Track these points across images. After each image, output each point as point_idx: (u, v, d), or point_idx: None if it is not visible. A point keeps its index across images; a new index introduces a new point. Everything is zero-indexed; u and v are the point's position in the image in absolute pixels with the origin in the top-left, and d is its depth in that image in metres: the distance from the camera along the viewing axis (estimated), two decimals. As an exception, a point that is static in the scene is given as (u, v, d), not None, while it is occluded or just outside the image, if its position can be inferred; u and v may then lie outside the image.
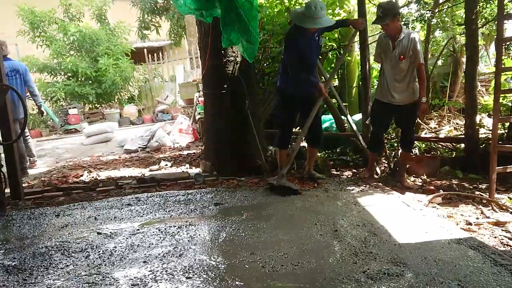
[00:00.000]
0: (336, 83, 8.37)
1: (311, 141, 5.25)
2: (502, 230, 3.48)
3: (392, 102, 4.89)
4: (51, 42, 15.39)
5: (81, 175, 6.75)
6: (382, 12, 4.68)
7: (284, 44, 4.98)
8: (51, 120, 14.84)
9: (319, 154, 6.54)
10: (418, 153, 6.09)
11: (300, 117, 5.22)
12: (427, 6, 6.44)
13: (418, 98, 4.81)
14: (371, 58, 6.31)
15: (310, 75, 4.86)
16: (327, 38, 7.27)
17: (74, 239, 3.63)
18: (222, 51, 5.66)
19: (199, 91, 9.98)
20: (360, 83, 7.05)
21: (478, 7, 5.62)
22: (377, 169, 5.42)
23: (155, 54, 17.83)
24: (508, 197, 4.40)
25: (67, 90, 15.08)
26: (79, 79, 15.40)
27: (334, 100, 6.51)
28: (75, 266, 3.04)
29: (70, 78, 15.48)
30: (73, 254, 3.28)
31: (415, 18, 6.12)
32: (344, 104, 6.78)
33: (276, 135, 5.23)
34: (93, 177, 6.53)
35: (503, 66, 4.72)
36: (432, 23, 6.43)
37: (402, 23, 6.73)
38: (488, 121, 7.05)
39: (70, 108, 14.16)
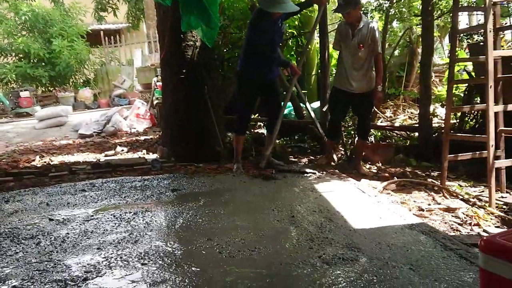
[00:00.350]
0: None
1: (270, 128, 5.25)
2: (452, 216, 3.60)
3: (349, 90, 4.94)
4: (1, 21, 14.75)
5: (33, 160, 6.53)
6: (345, 1, 4.70)
7: (250, 28, 4.89)
8: (1, 103, 14.27)
9: (277, 141, 6.57)
10: (373, 141, 6.22)
11: (260, 103, 5.21)
12: (385, -4, 6.55)
13: (374, 87, 4.89)
14: (330, 46, 6.37)
15: (274, 56, 4.85)
16: (287, 25, 7.27)
17: (24, 225, 3.50)
18: (182, 35, 5.56)
19: (157, 76, 9.82)
20: (319, 71, 7.11)
21: (434, -1, 5.76)
22: (334, 156, 5.49)
23: (112, 37, 17.37)
24: (459, 184, 4.56)
25: (18, 72, 14.51)
26: (32, 60, 14.84)
27: (293, 88, 6.53)
28: (25, 253, 2.93)
29: (22, 60, 14.90)
30: (23, 241, 3.16)
31: (374, 8, 6.21)
32: (303, 91, 6.82)
33: (235, 121, 5.20)
34: (45, 162, 6.32)
35: (456, 57, 4.84)
36: (390, 13, 6.53)
37: (361, 12, 6.83)
38: (441, 111, 7.28)
39: (21, 91, 13.63)
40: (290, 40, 7.83)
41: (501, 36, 5.09)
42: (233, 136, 5.19)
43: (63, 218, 3.63)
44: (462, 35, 6.47)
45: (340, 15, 7.35)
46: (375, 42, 4.77)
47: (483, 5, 4.03)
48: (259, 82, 4.88)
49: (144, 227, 3.34)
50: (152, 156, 6.28)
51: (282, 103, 5.19)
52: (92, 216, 3.66)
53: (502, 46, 5.83)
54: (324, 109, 5.87)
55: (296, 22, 7.47)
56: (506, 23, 5.79)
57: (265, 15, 4.68)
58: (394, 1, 6.71)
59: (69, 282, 2.45)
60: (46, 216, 3.72)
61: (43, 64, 15.11)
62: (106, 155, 6.67)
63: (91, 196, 4.30)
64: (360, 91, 4.92)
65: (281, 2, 4.52)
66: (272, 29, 4.74)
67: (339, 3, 4.77)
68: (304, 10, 7.39)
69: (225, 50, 7.43)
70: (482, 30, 4.54)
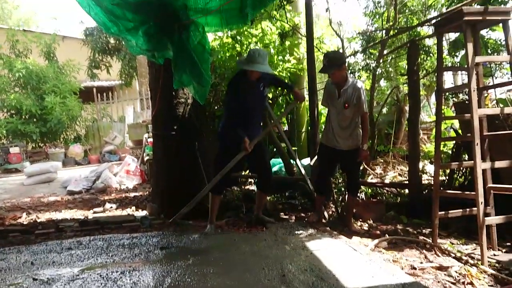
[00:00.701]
0: (285, 127, 8.52)
1: (261, 186, 5.24)
2: (445, 275, 3.55)
3: (336, 147, 4.99)
4: (-6, 78, 14.92)
5: (19, 217, 6.41)
6: (328, 62, 4.80)
7: (226, 90, 5.01)
8: (-10, 159, 14.19)
9: (268, 198, 6.55)
10: (364, 198, 6.21)
11: (247, 162, 5.21)
12: (372, 56, 6.75)
13: (360, 145, 4.93)
14: (319, 104, 6.49)
15: (240, 127, 4.79)
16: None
17: (7, 285, 3.39)
18: (173, 93, 5.66)
19: (148, 132, 9.88)
20: (309, 127, 7.21)
21: (419, 59, 5.94)
22: (325, 213, 5.46)
23: (104, 94, 17.58)
24: (450, 242, 4.52)
25: (9, 128, 14.53)
26: (23, 116, 14.90)
27: (283, 144, 6.59)
28: (6, 315, 2.83)
29: (13, 116, 14.96)
30: (5, 302, 3.06)
31: (361, 68, 6.38)
32: (293, 148, 6.87)
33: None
34: (32, 219, 6.21)
35: (443, 115, 4.94)
36: (377, 72, 6.71)
37: (349, 72, 7.02)
38: (430, 168, 7.33)
39: (11, 147, 13.60)
40: (280, 98, 7.98)
41: (485, 95, 5.22)
42: (210, 196, 5.10)
43: (47, 278, 3.53)
44: (447, 93, 6.63)
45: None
46: (360, 102, 4.83)
47: (466, 66, 4.16)
48: (239, 143, 4.84)
49: (131, 287, 3.25)
50: (141, 213, 6.20)
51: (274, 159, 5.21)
52: (78, 275, 3.57)
53: (487, 105, 5.97)
54: (312, 163, 5.90)
55: (286, 81, 7.63)
56: (489, 83, 5.95)
57: (242, 78, 4.81)
58: (381, 61, 6.90)
59: None
60: (30, 275, 3.62)
61: (34, 120, 15.16)
62: (94, 212, 6.58)
63: (77, 255, 4.21)
64: (347, 148, 4.96)
65: (256, 62, 4.64)
66: (247, 92, 4.79)
67: (323, 64, 4.89)
68: (294, 69, 7.65)
69: (216, 108, 7.53)
70: (467, 89, 4.68)
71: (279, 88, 6.71)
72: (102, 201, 7.43)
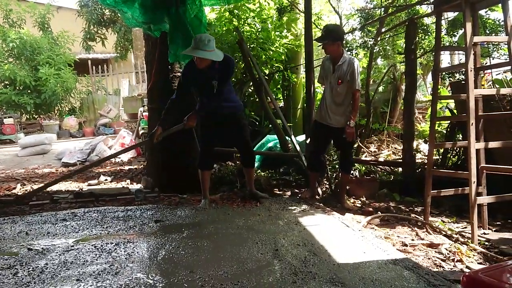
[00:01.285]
0: (281, 104, 8.51)
1: (244, 162, 5.26)
2: (436, 252, 3.61)
3: (329, 125, 4.99)
4: (-12, 48, 14.74)
5: (14, 188, 6.43)
6: (325, 32, 4.81)
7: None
8: (-16, 129, 14.12)
9: (262, 174, 6.58)
10: (358, 176, 6.25)
11: (225, 138, 5.18)
12: (370, 34, 6.71)
13: (346, 122, 4.95)
14: (316, 81, 6.48)
15: (168, 112, 4.87)
16: (274, 59, 7.39)
17: (2, 255, 3.41)
18: (169, 66, 5.62)
19: (143, 106, 9.84)
20: (305, 105, 7.21)
21: (417, 38, 5.91)
22: (319, 189, 5.50)
23: (99, 66, 17.43)
24: (442, 220, 4.58)
25: (3, 99, 14.44)
26: (17, 87, 14.78)
27: (279, 121, 6.59)
28: (1, 284, 2.85)
29: (7, 86, 14.84)
30: (0, 271, 3.08)
31: (358, 45, 6.34)
32: (288, 125, 6.87)
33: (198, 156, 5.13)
34: (26, 190, 6.22)
35: (439, 95, 4.94)
36: (375, 50, 6.68)
37: (346, 49, 6.98)
38: (424, 147, 7.38)
39: (5, 118, 13.52)
40: (277, 74, 7.95)
41: (482, 75, 5.22)
42: (199, 172, 5.04)
43: (42, 248, 3.56)
44: (444, 73, 6.62)
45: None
46: (353, 79, 4.82)
47: (464, 45, 4.14)
48: (213, 119, 4.82)
49: (125, 258, 3.28)
50: (136, 186, 6.23)
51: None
52: (73, 246, 3.60)
53: (483, 85, 5.97)
54: (308, 141, 5.92)
55: (283, 57, 7.60)
56: (486, 63, 5.94)
57: (188, 67, 4.72)
58: (379, 39, 6.86)
59: (46, 315, 2.38)
60: (25, 245, 3.64)
61: (28, 91, 15.06)
62: (89, 184, 6.60)
63: (72, 226, 4.23)
64: (338, 125, 4.96)
65: (198, 49, 4.36)
66: (197, 77, 4.64)
67: (321, 34, 4.88)
68: (290, 46, 7.60)
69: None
70: (463, 69, 4.67)
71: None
72: (97, 174, 7.45)
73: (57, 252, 3.45)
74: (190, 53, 4.46)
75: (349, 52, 5.11)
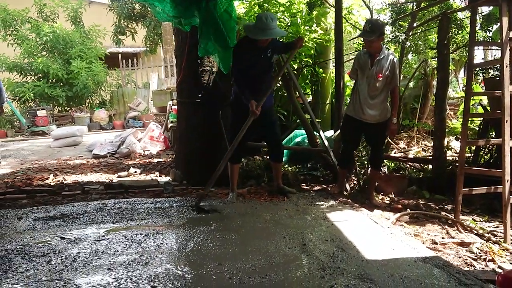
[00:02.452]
0: (309, 99, 8.46)
1: (272, 157, 5.23)
2: (466, 251, 3.54)
3: (362, 120, 4.93)
4: (22, 41, 15.12)
5: (47, 178, 6.58)
6: (371, 28, 4.66)
7: (232, 56, 4.89)
8: (17, 121, 14.49)
9: (290, 168, 6.57)
10: (387, 172, 6.18)
11: (257, 131, 5.09)
12: (402, 28, 6.60)
13: (389, 119, 4.87)
14: (345, 75, 6.42)
15: (248, 91, 4.69)
16: (302, 54, 7.35)
17: (36, 243, 3.51)
18: (199, 61, 5.64)
19: (172, 99, 9.92)
20: (333, 99, 7.15)
21: (450, 33, 5.78)
22: (347, 185, 5.46)
23: (129, 60, 17.67)
24: (473, 218, 4.49)
25: (36, 91, 14.78)
26: (50, 80, 15.12)
27: (307, 116, 6.56)
28: (35, 270, 2.94)
29: (41, 79, 15.20)
30: (34, 258, 3.17)
31: (390, 40, 6.24)
32: (317, 120, 6.83)
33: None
34: (58, 181, 6.37)
35: (472, 91, 4.83)
36: (406, 45, 6.56)
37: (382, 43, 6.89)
38: (455, 144, 7.24)
39: (38, 110, 13.86)
40: (305, 69, 7.90)
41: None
42: (228, 165, 5.04)
43: (74, 237, 3.65)
44: (477, 69, 6.47)
45: (356, 45, 7.44)
46: (394, 74, 4.76)
47: (499, 41, 4.04)
48: (248, 110, 4.73)
49: (154, 249, 3.33)
50: (164, 178, 6.30)
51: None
52: (104, 236, 3.67)
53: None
54: (333, 137, 5.88)
55: (312, 51, 7.54)
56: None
57: (249, 43, 4.69)
58: (410, 33, 6.74)
59: (79, 302, 2.44)
60: (58, 234, 3.73)
61: (61, 84, 15.38)
62: (119, 176, 6.71)
63: (102, 216, 4.32)
64: (373, 121, 4.90)
65: (266, 28, 4.49)
66: (254, 59, 4.70)
67: (365, 29, 4.75)
68: (319, 40, 7.54)
69: (241, 77, 7.49)
70: (498, 65, 4.55)
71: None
72: (126, 166, 7.56)
73: (88, 242, 3.53)
74: (260, 36, 4.53)
75: (385, 47, 4.97)
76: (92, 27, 16.65)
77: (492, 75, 6.10)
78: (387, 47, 6.57)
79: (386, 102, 4.90)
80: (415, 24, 6.84)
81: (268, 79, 4.97)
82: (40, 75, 15.23)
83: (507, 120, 3.85)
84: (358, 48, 8.14)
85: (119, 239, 3.58)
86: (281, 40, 5.33)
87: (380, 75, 4.75)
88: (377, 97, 4.85)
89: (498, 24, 4.82)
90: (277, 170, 5.26)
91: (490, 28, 6.34)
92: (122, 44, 16.71)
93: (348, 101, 5.31)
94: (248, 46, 4.71)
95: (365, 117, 4.90)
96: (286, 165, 6.74)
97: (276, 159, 5.19)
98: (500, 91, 3.91)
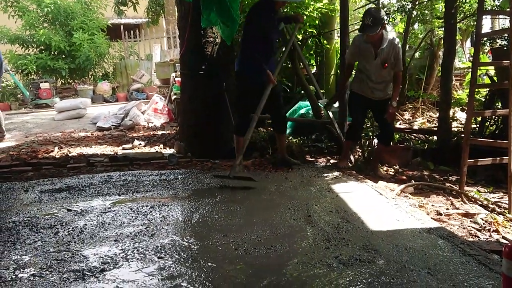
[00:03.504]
0: (314, 70, 8.39)
1: (276, 128, 5.22)
2: (471, 222, 3.56)
3: (371, 98, 4.89)
4: (23, 13, 14.92)
5: (52, 151, 6.60)
6: (373, 21, 4.49)
7: (247, 20, 4.79)
8: (21, 94, 14.45)
9: (294, 140, 6.56)
10: (391, 143, 6.16)
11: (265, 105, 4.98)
12: (408, -3, 6.49)
13: (389, 102, 4.81)
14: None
15: (264, 59, 4.65)
16: (307, 24, 7.24)
17: (43, 215, 3.55)
18: (202, 32, 5.57)
19: (175, 71, 9.86)
20: (338, 71, 7.08)
21: (457, 1, 5.68)
22: (352, 157, 5.46)
23: (131, 32, 17.47)
24: (477, 190, 4.50)
25: (39, 64, 14.69)
26: (52, 52, 15.00)
27: (312, 87, 6.50)
28: (43, 242, 2.97)
29: (43, 51, 15.08)
30: (42, 230, 3.20)
31: (396, 9, 6.14)
32: (321, 91, 6.77)
33: (236, 122, 5.05)
34: (63, 153, 6.39)
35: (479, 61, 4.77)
36: (412, 15, 6.46)
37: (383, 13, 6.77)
38: (460, 115, 7.20)
39: (41, 82, 13.78)
40: (310, 40, 7.80)
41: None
42: (234, 137, 5.01)
43: (80, 209, 3.68)
44: (484, 39, 6.37)
45: (361, 14, 7.33)
46: (398, 60, 4.69)
47: (508, 9, 3.96)
48: (259, 82, 4.72)
49: (160, 221, 3.36)
50: (169, 151, 6.31)
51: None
52: (110, 208, 3.70)
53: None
54: (335, 106, 5.83)
55: (317, 22, 7.43)
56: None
57: (265, 6, 4.66)
58: (417, 3, 6.63)
59: (87, 273, 2.48)
60: (64, 206, 3.76)
61: (63, 56, 15.27)
62: (123, 149, 6.72)
63: (108, 189, 4.34)
64: (381, 98, 4.86)
65: None
66: (270, 22, 4.68)
67: (366, 24, 4.54)
68: (324, 10, 7.43)
69: (244, 48, 7.40)
70: (507, 35, 4.48)
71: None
72: (131, 138, 7.57)
73: (95, 214, 3.56)
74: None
75: (385, 32, 4.81)
76: (94, -2, 16.43)
77: (500, 45, 6.01)
78: (393, 17, 6.48)
79: (391, 82, 4.84)
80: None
81: (275, 48, 4.99)
82: (42, 47, 15.11)
83: (514, 91, 3.81)
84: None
85: (125, 211, 3.60)
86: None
87: (386, 64, 4.69)
88: (384, 81, 4.80)
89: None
90: (282, 141, 5.24)
91: (499, -3, 6.22)
92: (124, 15, 16.43)
93: (354, 77, 5.21)
94: (264, 8, 4.67)
95: (374, 96, 4.85)
96: (291, 137, 6.73)
97: (280, 130, 5.16)
98: (508, 61, 3.85)
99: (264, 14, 4.68)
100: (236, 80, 5.11)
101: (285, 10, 6.82)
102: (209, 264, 2.58)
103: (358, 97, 5.00)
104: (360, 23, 4.72)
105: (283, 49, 5.74)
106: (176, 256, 2.68)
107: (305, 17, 7.07)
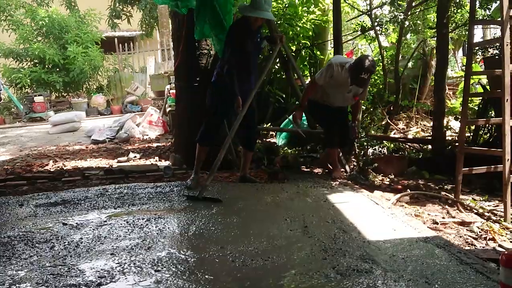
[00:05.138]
0: (308, 80, 8.42)
1: (244, 144, 5.07)
2: (467, 230, 3.57)
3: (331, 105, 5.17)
4: (17, 26, 14.95)
5: (46, 165, 6.58)
6: (369, 76, 4.83)
7: (225, 39, 4.72)
8: (15, 107, 14.43)
9: (289, 151, 6.57)
10: (386, 153, 6.19)
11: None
12: (400, 8, 6.55)
13: (351, 123, 5.19)
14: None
15: (240, 75, 4.54)
16: (301, 35, 7.30)
17: (38, 229, 3.52)
18: (196, 44, 5.60)
19: (170, 83, 9.88)
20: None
21: (449, 11, 5.74)
22: (347, 167, 5.47)
23: (126, 44, 17.52)
24: (472, 198, 4.51)
25: (33, 77, 14.70)
26: (46, 66, 15.02)
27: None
28: (39, 257, 2.95)
29: (37, 65, 15.10)
30: (37, 244, 3.18)
31: (388, 20, 6.20)
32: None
33: (201, 128, 4.86)
34: (58, 167, 6.37)
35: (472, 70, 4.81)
36: (405, 25, 6.52)
37: (376, 24, 6.85)
38: (454, 124, 7.23)
39: (35, 96, 13.79)
40: (303, 50, 7.85)
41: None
42: (197, 146, 4.87)
43: (76, 223, 3.65)
44: (476, 48, 6.43)
45: (354, 25, 7.39)
46: (365, 92, 5.12)
47: (499, 19, 4.01)
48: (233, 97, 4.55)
49: (157, 233, 3.34)
50: (164, 163, 6.30)
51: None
52: (105, 221, 3.68)
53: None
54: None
55: (310, 33, 7.49)
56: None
57: (243, 26, 4.58)
58: (409, 13, 6.69)
59: (83, 287, 2.46)
60: (60, 220, 3.74)
61: (57, 69, 15.29)
62: (119, 161, 6.70)
63: (104, 202, 4.32)
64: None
65: (261, 9, 4.40)
66: (248, 42, 4.57)
67: (361, 78, 4.68)
68: (317, 21, 7.49)
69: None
70: (498, 44, 4.53)
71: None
72: (126, 151, 7.56)
73: (91, 227, 3.53)
74: (255, 14, 4.42)
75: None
76: (88, 11, 16.48)
77: (492, 54, 6.07)
78: (385, 28, 6.55)
79: None
80: (413, 3, 6.79)
81: (256, 66, 4.85)
82: (36, 60, 15.13)
83: (507, 99, 3.84)
84: (357, 29, 8.10)
85: (121, 224, 3.58)
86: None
87: (357, 97, 5.06)
88: (346, 104, 5.27)
89: (498, 2, 4.79)
90: (247, 158, 5.05)
91: (490, 7, 6.30)
92: (118, 28, 16.52)
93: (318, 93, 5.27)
94: (242, 27, 4.61)
95: (333, 106, 5.15)
96: (286, 148, 6.74)
97: (248, 147, 5.03)
98: (501, 70, 3.89)
99: (236, 30, 4.62)
100: (211, 89, 4.92)
101: (278, 22, 6.88)
102: (207, 276, 2.57)
103: (320, 105, 5.15)
104: (354, 71, 4.73)
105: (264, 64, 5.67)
106: (173, 269, 2.67)
107: (298, 28, 7.14)
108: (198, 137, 4.83)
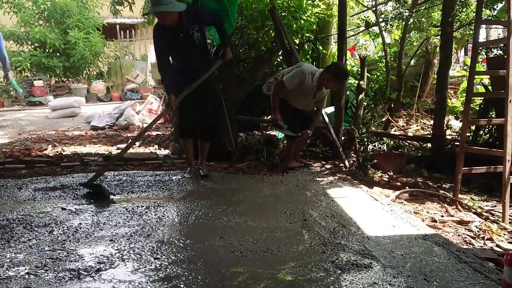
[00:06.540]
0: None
1: (201, 135, 4.95)
2: (465, 229, 3.57)
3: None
4: (19, 9, 14.83)
5: (45, 149, 6.57)
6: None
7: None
8: (14, 91, 14.36)
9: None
10: (386, 150, 6.19)
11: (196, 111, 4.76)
12: (406, 5, 6.52)
13: (305, 130, 5.20)
14: (347, 52, 6.37)
15: (170, 80, 4.49)
16: (304, 29, 7.26)
17: (37, 213, 3.52)
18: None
19: (171, 72, 9.82)
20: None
21: (454, 10, 5.72)
22: (346, 162, 5.47)
23: (127, 31, 17.43)
24: (471, 197, 4.52)
25: (33, 61, 14.61)
26: (47, 50, 14.93)
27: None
28: (38, 240, 2.95)
29: (37, 49, 15.00)
30: (36, 228, 3.18)
31: (393, 16, 6.17)
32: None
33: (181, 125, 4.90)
34: (57, 152, 6.36)
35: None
36: (409, 22, 6.50)
37: (381, 20, 6.83)
38: (454, 123, 7.24)
39: (35, 80, 13.71)
40: (306, 44, 7.82)
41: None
42: (180, 140, 4.88)
43: (75, 208, 3.65)
44: (480, 48, 6.42)
45: (358, 20, 7.37)
46: (323, 101, 5.43)
47: (504, 19, 4.00)
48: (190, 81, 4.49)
49: (156, 221, 3.35)
50: (163, 151, 6.29)
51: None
52: (105, 208, 3.68)
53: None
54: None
55: (314, 27, 7.46)
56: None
57: (159, 27, 4.38)
58: (414, 10, 6.67)
59: (82, 272, 2.46)
60: (59, 205, 3.73)
61: (58, 54, 15.19)
62: (118, 148, 6.69)
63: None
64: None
65: (156, 4, 4.10)
66: (172, 39, 4.36)
67: (344, 81, 5.31)
68: (322, 15, 7.45)
69: (241, 50, 7.42)
70: (503, 44, 4.52)
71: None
72: (125, 138, 7.55)
73: (89, 213, 3.53)
74: (151, 10, 4.25)
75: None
76: (90, -4, 16.37)
77: (495, 54, 6.06)
78: (390, 24, 6.53)
79: None
80: (419, 1, 6.77)
81: (201, 54, 4.61)
82: (37, 44, 15.03)
83: (510, 100, 3.84)
84: (360, 24, 8.08)
85: (120, 211, 3.58)
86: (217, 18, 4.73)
87: (319, 104, 5.30)
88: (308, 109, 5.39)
89: (503, 2, 4.78)
90: (205, 148, 4.98)
91: (495, 7, 6.29)
92: (120, 14, 16.38)
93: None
94: (158, 28, 4.40)
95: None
96: (285, 141, 6.73)
97: (205, 138, 4.95)
98: (505, 70, 3.88)
99: (154, 34, 4.46)
100: None
101: (283, 15, 6.85)
102: (206, 266, 2.57)
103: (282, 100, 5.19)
104: (340, 77, 5.02)
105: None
106: (173, 257, 2.67)
107: (302, 21, 7.10)
108: (180, 131, 4.96)
